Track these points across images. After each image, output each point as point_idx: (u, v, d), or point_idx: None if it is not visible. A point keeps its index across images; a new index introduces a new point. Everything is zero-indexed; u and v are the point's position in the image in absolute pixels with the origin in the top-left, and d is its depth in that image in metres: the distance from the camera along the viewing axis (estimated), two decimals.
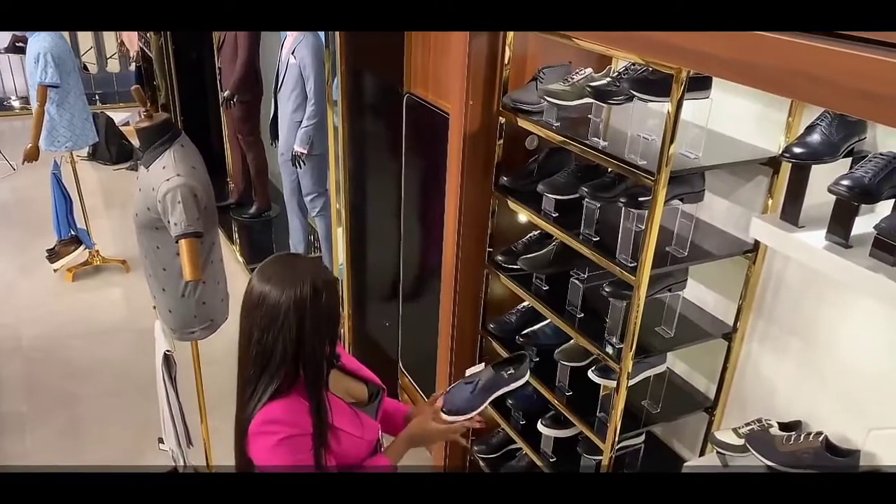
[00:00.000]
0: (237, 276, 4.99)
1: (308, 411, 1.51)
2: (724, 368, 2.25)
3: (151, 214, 2.29)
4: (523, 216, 2.46)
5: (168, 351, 2.51)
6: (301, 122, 4.03)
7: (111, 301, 4.58)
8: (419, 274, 3.20)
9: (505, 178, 2.42)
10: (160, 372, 2.57)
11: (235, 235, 5.46)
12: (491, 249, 2.60)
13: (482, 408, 1.82)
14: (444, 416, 1.77)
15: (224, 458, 3.15)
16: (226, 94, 4.96)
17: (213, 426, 3.20)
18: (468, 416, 1.79)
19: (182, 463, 2.74)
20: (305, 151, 4.04)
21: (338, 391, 1.64)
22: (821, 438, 1.89)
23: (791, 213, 1.69)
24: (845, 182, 1.54)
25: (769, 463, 1.90)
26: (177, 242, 2.22)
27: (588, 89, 2.03)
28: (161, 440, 2.87)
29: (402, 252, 3.30)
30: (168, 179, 2.21)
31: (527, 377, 1.94)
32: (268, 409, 1.50)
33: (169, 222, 2.23)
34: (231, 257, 5.23)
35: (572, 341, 2.36)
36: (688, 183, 1.95)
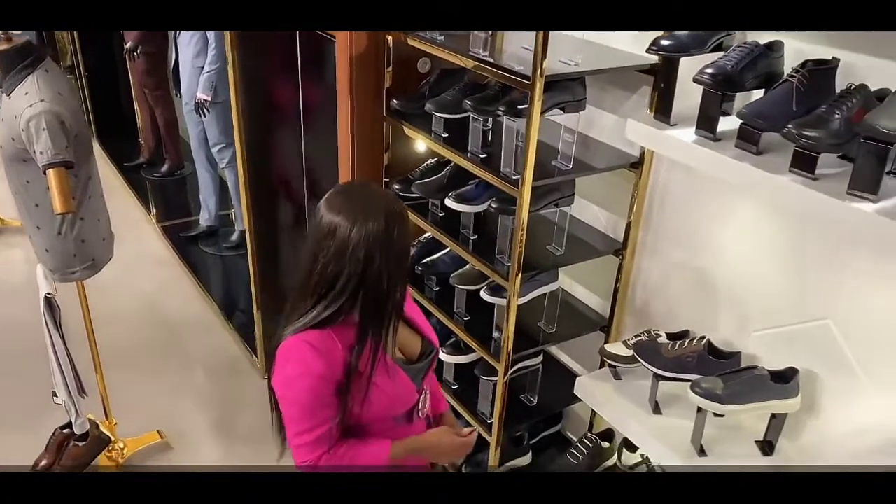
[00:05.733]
0: (151, 238, 4.83)
1: (341, 356, 1.44)
2: (617, 285, 2.26)
3: (17, 145, 2.15)
4: (420, 144, 2.41)
5: (49, 294, 2.38)
6: (203, 67, 3.87)
7: (11, 262, 4.38)
8: None
9: (396, 102, 2.36)
10: (43, 317, 2.44)
11: (149, 196, 5.27)
12: (388, 180, 2.54)
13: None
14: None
15: (125, 412, 3.06)
16: (128, 45, 4.74)
17: (119, 380, 3.10)
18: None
19: (75, 414, 2.63)
20: (209, 98, 3.89)
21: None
22: (703, 342, 1.92)
23: (663, 111, 1.68)
24: (709, 70, 1.53)
25: (654, 369, 1.92)
26: (45, 173, 2.09)
27: None
28: (55, 393, 2.74)
29: (306, 190, 3.21)
30: (31, 105, 2.07)
31: None
32: (300, 337, 1.44)
33: (35, 152, 2.09)
34: (143, 219, 5.05)
35: (468, 266, 2.34)
36: (568, 91, 1.92)
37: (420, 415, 1.66)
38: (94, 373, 2.83)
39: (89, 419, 2.78)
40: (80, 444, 2.74)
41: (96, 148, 5.97)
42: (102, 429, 2.88)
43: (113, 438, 2.92)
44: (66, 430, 2.77)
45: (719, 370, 1.83)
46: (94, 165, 2.38)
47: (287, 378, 1.46)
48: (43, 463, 2.75)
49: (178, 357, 3.68)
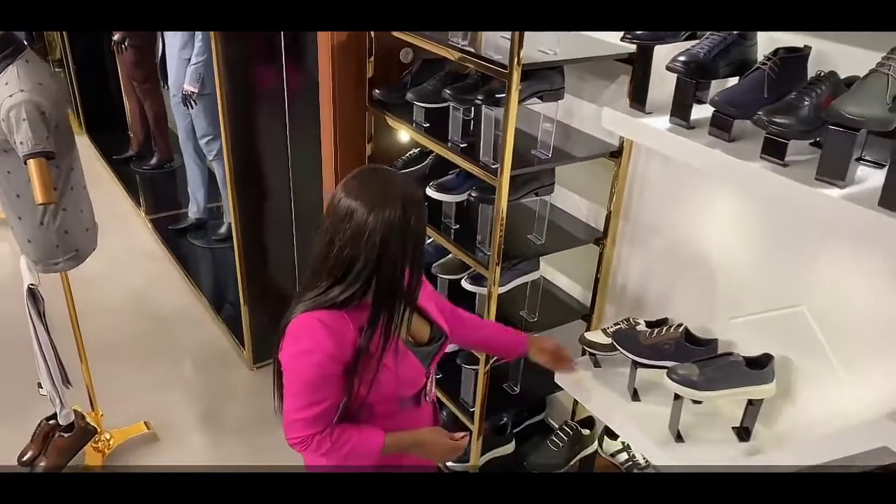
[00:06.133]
0: (140, 231, 4.83)
1: (351, 337, 1.45)
2: (598, 274, 2.27)
3: None
4: (403, 134, 2.42)
5: (32, 284, 2.38)
6: (190, 59, 3.85)
7: (0, 256, 4.37)
8: (310, 205, 3.13)
9: (378, 92, 2.36)
10: (27, 308, 2.44)
11: (139, 189, 5.25)
12: None
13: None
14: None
15: (112, 403, 3.07)
16: (116, 37, 4.73)
17: (107, 372, 3.12)
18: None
19: (59, 405, 2.63)
20: (196, 90, 3.88)
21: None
22: (681, 330, 1.93)
23: (638, 100, 1.69)
24: (681, 58, 1.54)
25: (632, 357, 1.93)
26: (25, 164, 2.09)
27: None
28: (40, 385, 2.74)
29: (292, 184, 3.22)
30: (11, 95, 2.07)
31: None
32: (312, 315, 1.44)
33: (15, 142, 2.09)
34: (133, 212, 5.05)
35: (450, 255, 2.35)
36: (546, 80, 1.93)
37: (427, 398, 1.67)
38: (80, 364, 2.83)
39: (75, 410, 2.79)
40: (66, 435, 2.75)
41: (86, 141, 6.00)
42: (88, 420, 2.88)
43: (99, 429, 2.92)
44: (51, 422, 2.77)
45: (696, 357, 1.85)
46: (77, 156, 2.38)
47: (295, 353, 1.47)
48: (28, 454, 2.75)
49: (166, 349, 3.68)
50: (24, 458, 2.75)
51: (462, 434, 1.67)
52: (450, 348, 2.41)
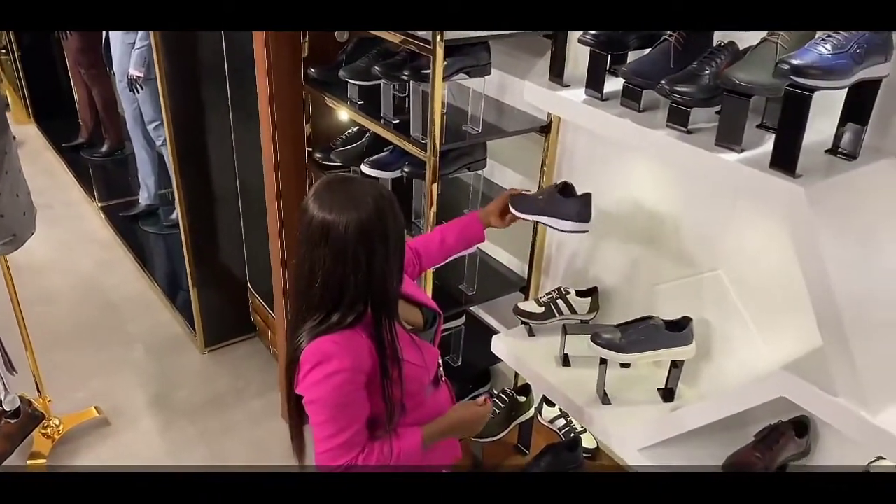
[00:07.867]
0: (92, 220, 4.78)
1: (366, 345, 1.42)
2: (533, 247, 2.33)
3: None
4: (343, 113, 2.44)
5: None
6: (134, 43, 3.82)
7: None
8: (255, 186, 3.14)
9: (313, 71, 2.38)
10: None
11: (91, 177, 5.19)
12: (311, 149, 2.58)
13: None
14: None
15: (63, 390, 3.07)
16: None
17: (57, 359, 3.14)
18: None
19: (3, 391, 2.63)
20: (141, 75, 3.84)
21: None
22: (559, 182, 1.92)
23: (557, 73, 1.74)
24: (592, 31, 1.59)
25: (526, 216, 1.90)
26: None
27: None
28: None
29: (237, 165, 3.23)
30: None
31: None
32: (322, 339, 1.40)
33: None
34: (84, 200, 4.99)
35: None
36: (472, 56, 1.96)
37: (442, 378, 1.70)
38: (24, 350, 2.83)
39: (21, 397, 2.78)
40: (12, 421, 2.74)
41: (34, 130, 5.90)
42: (36, 406, 2.87)
43: (47, 415, 2.92)
44: None
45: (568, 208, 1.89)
46: (10, 140, 2.36)
47: (314, 381, 1.42)
48: None
49: (117, 335, 3.68)
50: None
51: (483, 397, 1.68)
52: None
